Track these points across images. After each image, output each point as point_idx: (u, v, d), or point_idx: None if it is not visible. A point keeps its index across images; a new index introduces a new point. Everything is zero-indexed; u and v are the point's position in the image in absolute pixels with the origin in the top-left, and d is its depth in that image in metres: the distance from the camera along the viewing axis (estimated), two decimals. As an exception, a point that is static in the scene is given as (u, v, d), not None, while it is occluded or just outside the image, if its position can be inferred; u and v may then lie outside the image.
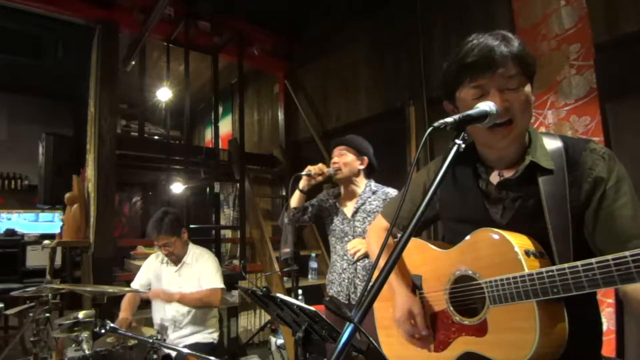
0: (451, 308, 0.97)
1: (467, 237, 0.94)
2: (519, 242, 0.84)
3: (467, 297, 0.94)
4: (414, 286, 1.09)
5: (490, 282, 0.86)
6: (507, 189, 0.92)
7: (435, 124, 0.76)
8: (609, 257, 0.68)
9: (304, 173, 2.03)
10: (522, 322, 0.81)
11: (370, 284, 0.66)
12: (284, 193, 4.60)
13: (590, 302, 0.91)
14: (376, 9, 3.53)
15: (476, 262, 0.92)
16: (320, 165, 2.04)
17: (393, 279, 1.09)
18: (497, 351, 0.86)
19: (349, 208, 2.05)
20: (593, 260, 0.70)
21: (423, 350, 1.03)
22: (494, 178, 0.95)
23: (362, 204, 1.99)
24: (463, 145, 0.76)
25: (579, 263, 0.72)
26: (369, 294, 0.64)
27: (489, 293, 0.86)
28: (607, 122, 2.05)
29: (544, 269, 0.77)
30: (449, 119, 0.77)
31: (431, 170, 1.16)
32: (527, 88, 0.86)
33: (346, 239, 2.03)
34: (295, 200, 2.07)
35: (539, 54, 2.32)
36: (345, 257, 2.00)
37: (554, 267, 0.76)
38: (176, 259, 2.39)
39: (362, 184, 2.05)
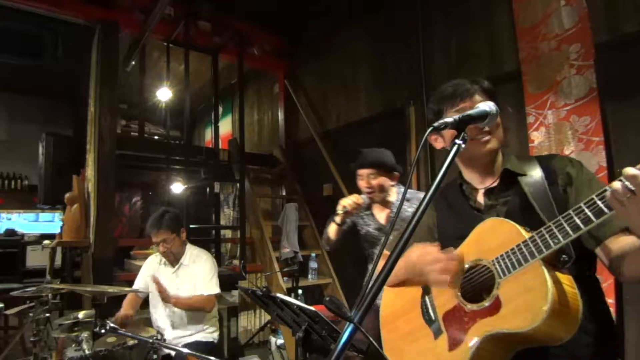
0: (462, 299, 0.96)
1: (469, 236, 0.98)
2: (517, 225, 0.89)
3: (477, 283, 0.95)
4: (423, 291, 1.08)
5: (497, 258, 0.89)
6: (495, 195, 1.04)
7: (435, 124, 0.77)
8: (592, 196, 0.75)
9: (340, 212, 1.97)
10: (531, 280, 0.82)
11: (370, 284, 0.66)
12: (284, 193, 4.60)
13: (597, 291, 0.96)
14: (376, 9, 3.53)
15: (480, 250, 0.95)
16: (354, 198, 1.97)
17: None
18: (514, 320, 0.82)
19: (383, 216, 2.05)
20: (581, 204, 0.76)
21: (437, 346, 0.99)
22: (480, 195, 1.07)
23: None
24: (463, 145, 0.76)
25: (570, 210, 0.78)
26: (369, 294, 0.64)
27: (496, 268, 0.88)
28: (607, 122, 2.05)
29: (542, 228, 0.82)
30: (449, 119, 0.78)
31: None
32: None
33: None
34: (333, 233, 2.07)
35: (539, 54, 2.32)
36: None
37: (549, 223, 0.81)
38: (174, 258, 2.38)
39: (393, 193, 2.05)
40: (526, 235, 0.85)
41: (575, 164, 1.00)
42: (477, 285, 0.95)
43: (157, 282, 2.23)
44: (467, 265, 0.98)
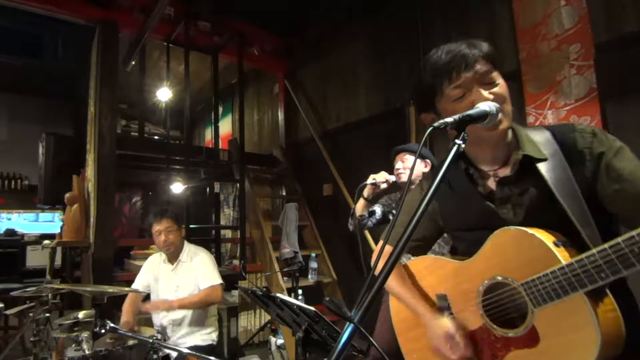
0: (490, 322, 0.88)
1: (486, 243, 0.88)
2: (544, 235, 0.78)
3: (505, 306, 0.86)
4: (441, 308, 1.00)
5: (528, 282, 0.79)
6: (509, 186, 0.90)
7: (435, 124, 0.76)
8: None
9: (368, 182, 2.05)
10: (575, 318, 0.73)
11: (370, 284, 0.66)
12: (284, 193, 4.60)
13: (630, 295, 0.87)
14: (376, 9, 3.53)
15: (505, 266, 0.84)
16: (383, 173, 2.06)
17: (415, 304, 1.03)
18: (558, 358, 0.76)
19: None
20: (633, 232, 0.64)
21: None
22: (491, 181, 0.94)
23: None
24: (463, 145, 0.75)
25: (619, 239, 0.66)
26: (369, 293, 0.64)
27: (529, 295, 0.79)
28: (607, 122, 2.06)
29: (583, 255, 0.71)
30: (449, 119, 0.76)
31: (424, 186, 1.11)
32: (503, 81, 0.88)
33: None
34: (360, 208, 2.12)
35: (539, 54, 2.32)
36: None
37: (593, 250, 0.69)
38: (174, 252, 2.39)
39: None
40: (561, 258, 0.75)
41: (600, 136, 0.84)
42: (505, 308, 0.87)
43: (153, 304, 2.28)
44: (486, 281, 0.88)
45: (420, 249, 1.12)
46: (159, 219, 2.35)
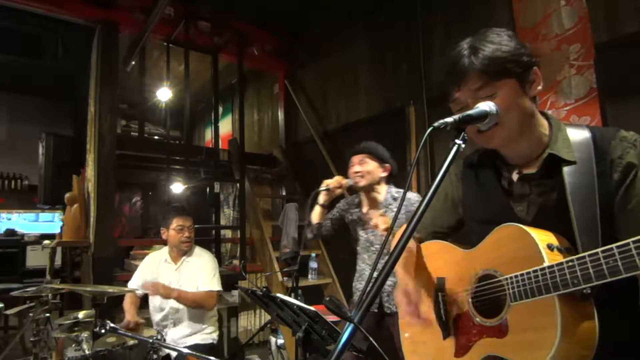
0: (473, 309, 0.94)
1: (490, 235, 0.91)
2: (542, 237, 0.80)
3: (489, 296, 0.91)
4: (437, 284, 1.07)
5: (511, 278, 0.83)
6: (530, 184, 0.89)
7: (435, 124, 0.76)
8: (629, 240, 0.64)
9: (322, 189, 2.01)
10: (542, 318, 0.76)
11: (371, 283, 0.66)
12: (284, 193, 4.60)
13: (632, 307, 0.81)
14: (376, 9, 3.53)
15: (498, 260, 0.89)
16: (337, 178, 2.01)
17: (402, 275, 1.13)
18: (518, 353, 0.81)
19: (373, 217, 2.01)
20: (613, 245, 0.66)
21: (445, 347, 1.00)
22: (515, 176, 0.93)
23: (385, 212, 1.94)
24: (463, 145, 0.76)
25: (599, 250, 0.68)
26: (369, 294, 0.64)
27: (509, 290, 0.83)
28: (607, 122, 2.05)
29: (564, 260, 0.73)
30: (449, 119, 0.77)
31: (452, 174, 1.10)
32: (504, 90, 0.82)
33: (372, 248, 2.02)
34: (316, 215, 2.09)
35: (539, 54, 2.32)
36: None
37: (574, 257, 0.72)
38: (187, 248, 2.42)
39: (383, 191, 2.02)
40: (547, 259, 0.77)
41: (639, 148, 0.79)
42: (489, 299, 0.91)
43: (154, 285, 2.27)
44: (481, 271, 0.93)
45: (441, 237, 1.15)
46: (185, 216, 2.40)
